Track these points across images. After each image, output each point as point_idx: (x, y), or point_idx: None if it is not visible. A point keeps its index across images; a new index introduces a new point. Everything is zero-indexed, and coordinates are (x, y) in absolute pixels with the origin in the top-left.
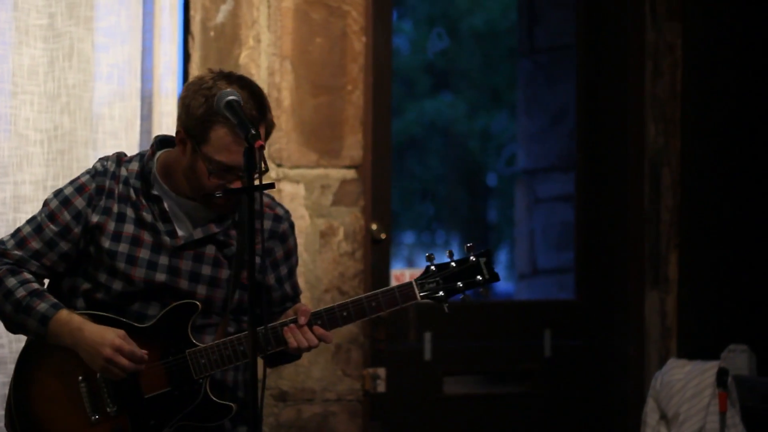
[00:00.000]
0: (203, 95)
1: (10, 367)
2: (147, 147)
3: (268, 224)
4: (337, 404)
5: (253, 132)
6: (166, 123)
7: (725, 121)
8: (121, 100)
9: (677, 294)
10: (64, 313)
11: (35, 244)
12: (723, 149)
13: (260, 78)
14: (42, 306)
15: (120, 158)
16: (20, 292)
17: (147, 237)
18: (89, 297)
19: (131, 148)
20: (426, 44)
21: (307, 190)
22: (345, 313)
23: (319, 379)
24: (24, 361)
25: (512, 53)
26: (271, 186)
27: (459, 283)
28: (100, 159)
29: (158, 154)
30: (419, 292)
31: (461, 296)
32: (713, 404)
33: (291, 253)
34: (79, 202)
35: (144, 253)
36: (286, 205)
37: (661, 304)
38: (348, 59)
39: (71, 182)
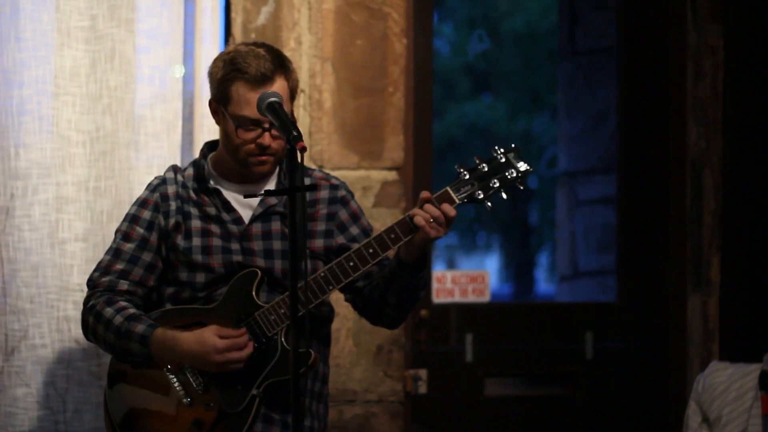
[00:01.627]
0: (222, 60)
1: (53, 367)
2: (189, 149)
3: (325, 193)
4: (379, 405)
5: (295, 134)
6: (208, 125)
7: (767, 123)
8: (162, 102)
9: (719, 296)
10: (160, 331)
11: (119, 266)
12: (765, 151)
13: (301, 80)
14: (140, 328)
15: (175, 168)
16: (118, 319)
17: (215, 228)
18: (176, 299)
19: (173, 150)
20: (466, 46)
21: None
22: (393, 236)
23: (360, 380)
24: (114, 364)
25: (553, 55)
26: (313, 188)
27: (492, 182)
28: (156, 177)
29: (209, 155)
30: (456, 195)
31: (502, 194)
32: (756, 407)
33: (358, 216)
34: (147, 214)
35: (216, 242)
36: None
37: (703, 307)
38: (389, 61)
39: (134, 203)
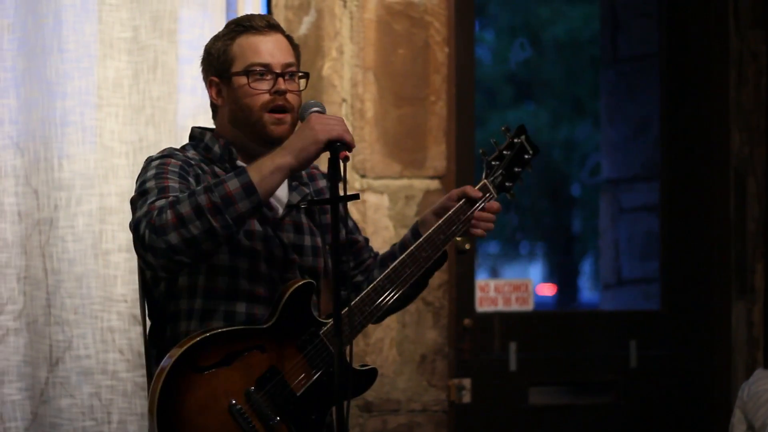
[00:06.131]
0: (217, 38)
1: (98, 378)
2: None
3: (323, 183)
4: (423, 415)
5: (338, 144)
6: None
7: None
8: (205, 112)
9: (764, 304)
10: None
11: (173, 183)
12: None
13: (343, 89)
14: (229, 175)
15: (174, 149)
16: (199, 188)
17: None
18: (211, 288)
19: None
20: (508, 54)
21: (391, 200)
22: (442, 236)
23: (404, 390)
24: (166, 394)
25: (595, 63)
26: (356, 197)
27: (516, 168)
28: (159, 152)
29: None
30: (494, 189)
31: (520, 180)
32: None
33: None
34: (174, 164)
35: (257, 226)
36: (371, 215)
37: (747, 314)
38: (431, 70)
39: (155, 157)
